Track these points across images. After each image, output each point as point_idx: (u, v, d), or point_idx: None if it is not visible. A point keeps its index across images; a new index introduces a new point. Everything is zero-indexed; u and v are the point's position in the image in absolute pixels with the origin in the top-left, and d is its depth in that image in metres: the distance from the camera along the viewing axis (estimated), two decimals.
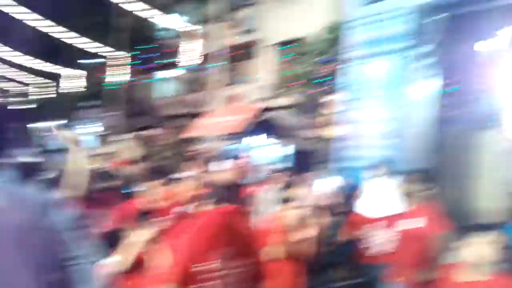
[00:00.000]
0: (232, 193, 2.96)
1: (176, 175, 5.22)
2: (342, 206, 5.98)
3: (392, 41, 7.63)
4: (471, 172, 11.06)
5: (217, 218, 2.67)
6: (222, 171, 6.23)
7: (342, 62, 8.76)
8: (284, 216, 3.98)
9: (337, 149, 8.47)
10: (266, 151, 13.54)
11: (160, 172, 4.61)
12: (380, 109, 7.81)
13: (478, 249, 2.49)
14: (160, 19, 17.58)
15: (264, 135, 12.41)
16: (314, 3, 12.74)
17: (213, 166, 7.25)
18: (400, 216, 4.27)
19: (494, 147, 10.97)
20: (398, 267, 4.10)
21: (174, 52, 17.87)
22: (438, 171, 10.19)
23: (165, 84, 20.46)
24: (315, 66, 10.53)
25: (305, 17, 12.71)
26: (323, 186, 6.73)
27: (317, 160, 10.52)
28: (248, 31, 15.12)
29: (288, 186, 5.93)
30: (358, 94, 8.13)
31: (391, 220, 4.28)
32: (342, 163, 8.26)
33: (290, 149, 12.62)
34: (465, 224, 3.88)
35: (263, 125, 12.04)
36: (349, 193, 6.73)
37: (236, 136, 12.27)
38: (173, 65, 18.61)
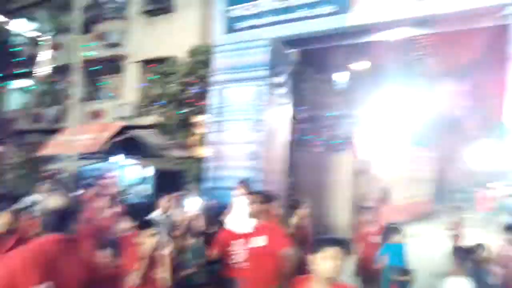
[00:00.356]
0: (66, 220, 2.72)
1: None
2: (209, 226, 6.05)
3: (252, 69, 8.12)
4: (325, 191, 12.25)
5: (36, 247, 2.48)
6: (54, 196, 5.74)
7: (208, 85, 8.97)
8: (142, 243, 3.92)
9: (205, 169, 8.59)
10: (127, 172, 12.97)
11: (4, 196, 4.06)
12: (243, 132, 8.19)
13: (326, 263, 2.71)
14: (13, 25, 15.86)
15: (125, 155, 11.89)
16: (183, 24, 12.84)
17: (53, 190, 6.75)
18: (251, 233, 4.53)
19: (346, 168, 12.36)
20: (250, 282, 4.29)
21: (27, 62, 16.16)
22: (295, 191, 11.03)
23: (14, 95, 18.33)
24: (182, 86, 10.54)
25: (174, 37, 12.71)
26: (189, 206, 6.72)
27: (184, 181, 10.45)
28: (113, 45, 14.47)
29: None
30: (223, 117, 8.41)
31: (245, 237, 4.50)
32: (210, 183, 8.40)
33: (151, 170, 12.29)
34: (319, 239, 4.26)
35: (124, 144, 11.52)
36: (218, 211, 6.86)
37: (94, 155, 11.52)
38: (25, 75, 16.82)
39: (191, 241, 5.47)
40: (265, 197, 4.57)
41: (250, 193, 3.89)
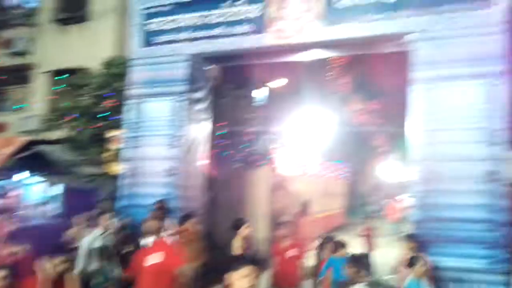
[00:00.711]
0: None
1: None
2: (124, 246, 5.83)
3: (170, 84, 8.03)
4: (245, 206, 12.34)
5: None
6: None
7: (124, 98, 8.69)
8: (45, 268, 3.71)
9: (121, 187, 8.25)
10: (32, 190, 12.04)
11: None
12: (160, 148, 8.02)
13: (241, 281, 2.76)
14: None
15: (31, 172, 11.03)
16: (98, 34, 12.34)
17: None
18: (149, 250, 4.50)
19: (264, 183, 12.59)
20: None
21: None
22: (214, 206, 10.98)
23: None
24: (95, 99, 10.07)
25: (88, 47, 12.15)
26: (102, 226, 6.40)
27: (97, 200, 9.91)
28: (20, 54, 13.46)
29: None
30: (139, 132, 8.18)
31: (145, 254, 4.46)
32: (126, 201, 8.08)
33: (60, 188, 11.53)
34: (234, 258, 4.29)
35: (30, 160, 10.68)
36: (133, 230, 6.61)
37: None
38: None
39: (103, 263, 5.21)
40: (182, 217, 4.51)
41: (153, 209, 3.83)
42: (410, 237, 5.89)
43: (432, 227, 6.07)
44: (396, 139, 37.28)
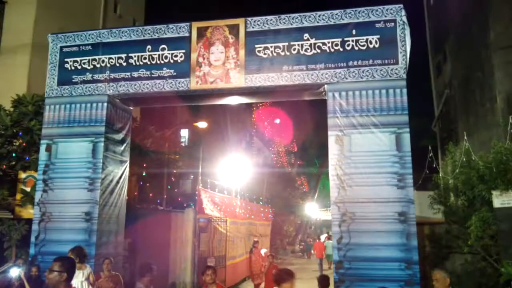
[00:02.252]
0: None
1: None
2: None
3: (88, 124, 7.75)
4: (168, 250, 11.90)
5: None
6: None
7: (38, 138, 8.17)
8: None
9: (32, 233, 7.59)
10: None
11: None
12: (76, 191, 7.58)
13: None
14: None
15: None
16: (9, 69, 11.66)
17: None
18: None
19: (188, 225, 12.27)
20: None
21: None
22: (134, 252, 10.47)
23: None
24: (5, 138, 9.37)
25: (0, 83, 11.39)
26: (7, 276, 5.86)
27: (3, 247, 9.01)
28: None
29: None
30: (54, 173, 7.70)
31: None
32: (37, 248, 7.43)
33: None
34: None
35: None
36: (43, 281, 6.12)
37: None
38: None
39: None
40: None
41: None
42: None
43: (350, 266, 6.32)
44: (317, 180, 38.75)
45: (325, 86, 7.08)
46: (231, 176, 16.71)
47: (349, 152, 6.74)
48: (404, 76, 6.78)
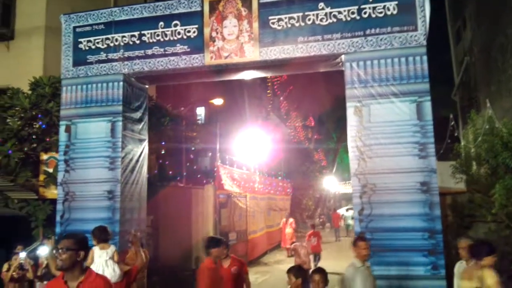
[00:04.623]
0: None
1: None
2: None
3: (106, 104, 7.78)
4: (189, 225, 12.09)
5: None
6: None
7: (57, 119, 8.27)
8: None
9: (56, 213, 7.77)
10: None
11: None
12: (98, 170, 7.69)
13: None
14: None
15: None
16: (25, 53, 11.72)
17: None
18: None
19: (208, 201, 12.42)
20: None
21: None
22: (157, 227, 10.67)
23: None
24: (24, 121, 9.49)
25: (14, 67, 11.49)
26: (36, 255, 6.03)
27: (29, 228, 9.26)
28: None
29: None
30: (75, 154, 7.80)
31: None
32: (62, 228, 7.61)
33: None
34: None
35: None
36: None
37: None
38: None
39: None
40: None
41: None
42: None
43: (372, 237, 6.29)
44: (335, 154, 38.64)
45: (342, 56, 6.91)
46: (249, 152, 16.73)
47: (369, 123, 6.62)
48: (424, 42, 6.56)
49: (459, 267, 5.30)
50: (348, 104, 6.78)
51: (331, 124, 35.81)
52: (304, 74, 8.41)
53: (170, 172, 13.40)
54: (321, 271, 4.52)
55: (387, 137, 6.50)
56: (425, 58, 6.55)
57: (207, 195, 12.74)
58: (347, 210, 26.93)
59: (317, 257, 12.51)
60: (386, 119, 6.53)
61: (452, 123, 10.79)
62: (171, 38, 7.57)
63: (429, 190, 6.24)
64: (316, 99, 31.36)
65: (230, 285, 5.97)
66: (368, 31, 6.75)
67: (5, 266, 6.95)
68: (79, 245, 3.04)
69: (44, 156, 9.29)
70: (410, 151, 6.38)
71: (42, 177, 9.24)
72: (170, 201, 11.43)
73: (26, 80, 10.05)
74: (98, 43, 7.91)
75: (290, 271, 4.81)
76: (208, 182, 13.47)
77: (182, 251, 11.75)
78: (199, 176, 15.01)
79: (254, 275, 10.16)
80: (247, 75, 8.24)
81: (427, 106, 6.43)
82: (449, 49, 18.22)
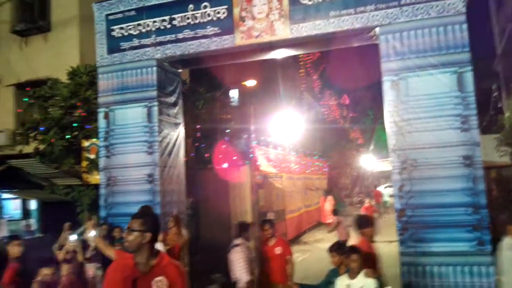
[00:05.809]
0: None
1: None
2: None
3: (140, 89, 7.90)
4: (227, 207, 12.27)
5: None
6: None
7: (96, 107, 8.50)
8: None
9: (100, 197, 8.06)
10: (6, 207, 11.71)
11: None
12: (136, 154, 7.87)
13: None
14: None
15: (3, 189, 10.69)
16: (61, 43, 12.06)
17: None
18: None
19: (246, 182, 12.53)
20: None
21: None
22: (196, 209, 10.88)
23: None
24: (65, 110, 9.82)
25: (52, 57, 11.85)
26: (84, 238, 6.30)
27: (75, 212, 9.68)
28: None
29: None
30: (114, 139, 8.01)
31: None
32: (106, 211, 7.90)
33: (35, 203, 11.23)
34: None
35: (2, 176, 10.35)
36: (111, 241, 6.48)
37: None
38: None
39: None
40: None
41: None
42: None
43: (413, 214, 6.16)
44: (372, 131, 37.92)
45: (376, 29, 6.67)
46: (283, 132, 16.67)
47: (406, 96, 6.39)
48: (464, 10, 6.21)
49: (507, 242, 5.12)
50: (384, 79, 6.57)
51: (367, 101, 35.06)
52: (337, 50, 8.22)
53: (207, 155, 13.56)
54: (357, 251, 4.46)
55: (426, 111, 6.27)
56: (464, 26, 6.22)
57: (244, 177, 12.83)
58: (385, 187, 26.77)
59: None
60: (425, 92, 6.29)
61: (495, 94, 10.30)
62: (201, 21, 7.54)
63: (472, 164, 6.00)
64: (350, 76, 30.72)
65: (274, 264, 6.06)
66: (403, 1, 6.47)
67: (58, 248, 7.28)
68: (146, 226, 2.80)
69: (86, 143, 9.61)
70: (451, 124, 6.13)
71: (84, 163, 9.58)
72: (208, 184, 11.60)
73: (64, 70, 10.35)
74: (130, 29, 8.01)
75: (331, 249, 4.78)
76: (244, 163, 13.54)
77: (222, 231, 11.94)
78: (235, 158, 15.11)
79: (294, 254, 10.23)
80: (279, 54, 8.12)
81: (469, 77, 6.14)
82: (490, 16, 17.29)
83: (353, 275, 4.36)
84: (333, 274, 4.71)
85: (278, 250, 6.10)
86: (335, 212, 12.23)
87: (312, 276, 9.73)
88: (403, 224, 6.24)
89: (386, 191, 25.65)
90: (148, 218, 2.88)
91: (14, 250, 5.41)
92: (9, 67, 12.70)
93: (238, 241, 5.89)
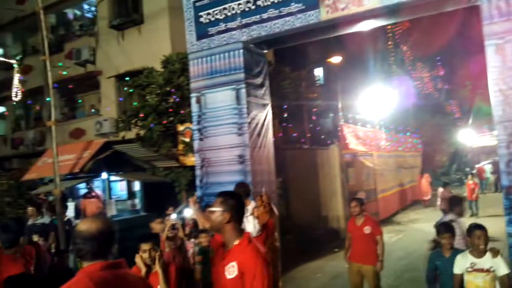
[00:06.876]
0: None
1: None
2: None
3: (229, 73, 8.07)
4: (316, 186, 12.27)
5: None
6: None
7: (188, 92, 8.90)
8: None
9: (196, 178, 8.51)
10: (114, 188, 12.80)
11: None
12: (227, 136, 8.12)
13: None
14: None
15: (110, 172, 11.72)
16: (154, 34, 12.72)
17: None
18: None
19: (334, 161, 12.41)
20: None
21: None
22: (286, 188, 11.00)
23: None
24: (160, 97, 10.43)
25: (146, 48, 12.57)
26: (182, 216, 6.67)
27: (174, 192, 10.34)
28: (85, 62, 14.26)
29: None
30: (206, 123, 8.34)
31: None
32: (201, 191, 8.32)
33: (138, 184, 12.16)
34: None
35: (108, 161, 11.35)
36: None
37: (79, 175, 11.31)
38: None
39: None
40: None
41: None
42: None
43: None
44: (471, 103, 34.98)
45: None
46: (373, 109, 16.07)
47: None
48: None
49: None
50: (486, 43, 5.98)
51: (463, 70, 32.32)
52: (428, 18, 7.61)
53: (294, 135, 13.58)
54: (482, 227, 4.09)
55: None
56: None
57: (333, 155, 12.67)
58: (485, 165, 24.98)
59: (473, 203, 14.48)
60: None
61: None
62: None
63: None
64: (445, 44, 28.47)
65: (361, 243, 5.87)
66: None
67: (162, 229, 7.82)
68: (226, 205, 2.68)
69: (181, 127, 10.14)
70: None
71: (180, 146, 10.13)
72: (297, 163, 11.64)
73: (158, 59, 10.95)
74: (216, 14, 8.19)
75: (443, 230, 4.41)
76: (332, 142, 13.34)
77: (311, 210, 11.98)
78: (323, 136, 14.94)
79: (387, 234, 9.89)
80: (366, 25, 7.77)
81: None
82: None
83: (479, 253, 3.98)
84: (436, 257, 4.42)
85: (367, 230, 5.80)
86: (444, 184, 12.85)
87: (407, 257, 9.39)
88: (510, 202, 5.73)
89: (487, 167, 23.85)
90: (228, 197, 2.76)
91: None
92: (108, 60, 13.74)
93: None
